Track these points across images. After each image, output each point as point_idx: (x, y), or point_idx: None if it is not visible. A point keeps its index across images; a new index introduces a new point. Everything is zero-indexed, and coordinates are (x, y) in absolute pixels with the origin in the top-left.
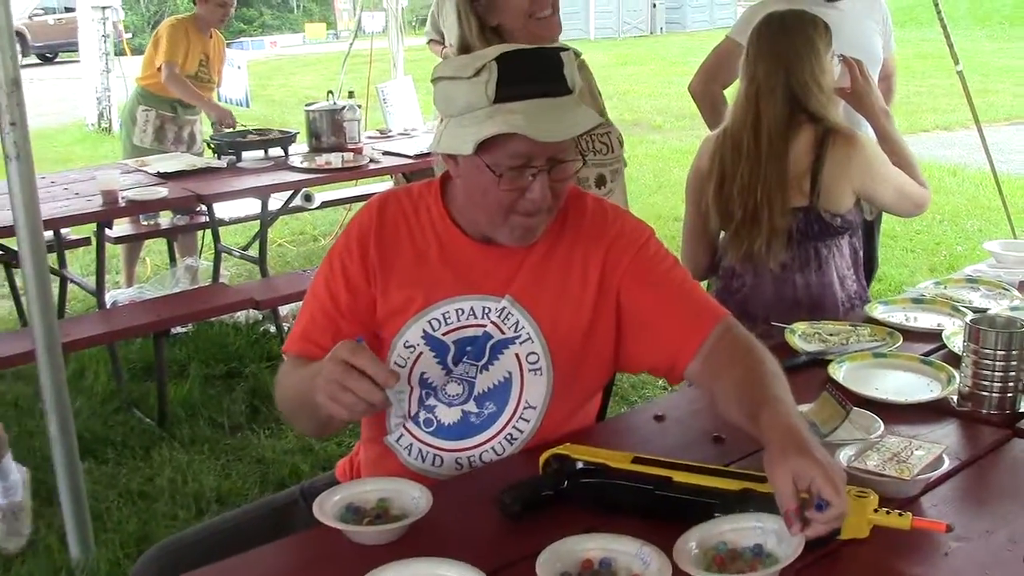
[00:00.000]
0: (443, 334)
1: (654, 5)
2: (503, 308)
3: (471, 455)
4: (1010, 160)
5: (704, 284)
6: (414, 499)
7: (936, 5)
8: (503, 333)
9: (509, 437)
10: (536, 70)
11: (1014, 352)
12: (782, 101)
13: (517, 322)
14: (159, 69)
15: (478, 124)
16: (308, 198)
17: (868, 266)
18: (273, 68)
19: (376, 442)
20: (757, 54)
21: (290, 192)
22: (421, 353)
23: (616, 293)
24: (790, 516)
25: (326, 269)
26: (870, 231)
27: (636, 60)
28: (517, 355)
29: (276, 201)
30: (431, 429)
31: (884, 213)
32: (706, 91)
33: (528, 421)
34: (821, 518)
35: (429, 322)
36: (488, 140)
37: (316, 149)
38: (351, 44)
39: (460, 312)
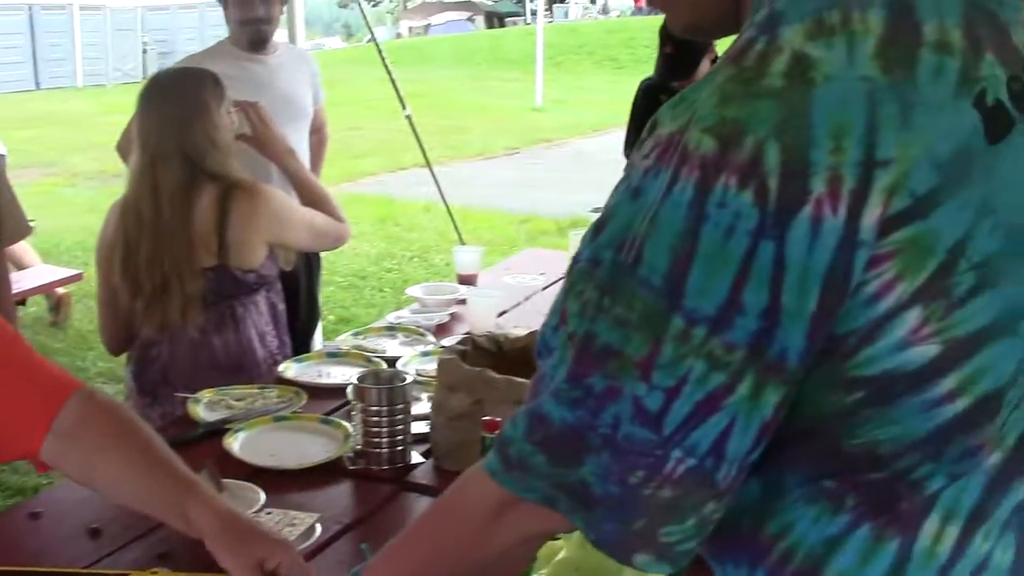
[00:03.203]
0: None
1: (144, 51)
2: None
3: None
4: (479, 194)
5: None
6: None
7: (381, 56)
8: None
9: None
10: None
11: (399, 406)
12: (179, 165)
13: None
14: None
15: None
16: None
17: (309, 316)
18: None
19: None
20: (147, 121)
21: None
22: None
23: None
24: None
25: None
26: (309, 281)
27: (122, 108)
28: None
29: None
30: None
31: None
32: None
33: None
34: None
35: None
36: None
37: None
38: None
39: None
